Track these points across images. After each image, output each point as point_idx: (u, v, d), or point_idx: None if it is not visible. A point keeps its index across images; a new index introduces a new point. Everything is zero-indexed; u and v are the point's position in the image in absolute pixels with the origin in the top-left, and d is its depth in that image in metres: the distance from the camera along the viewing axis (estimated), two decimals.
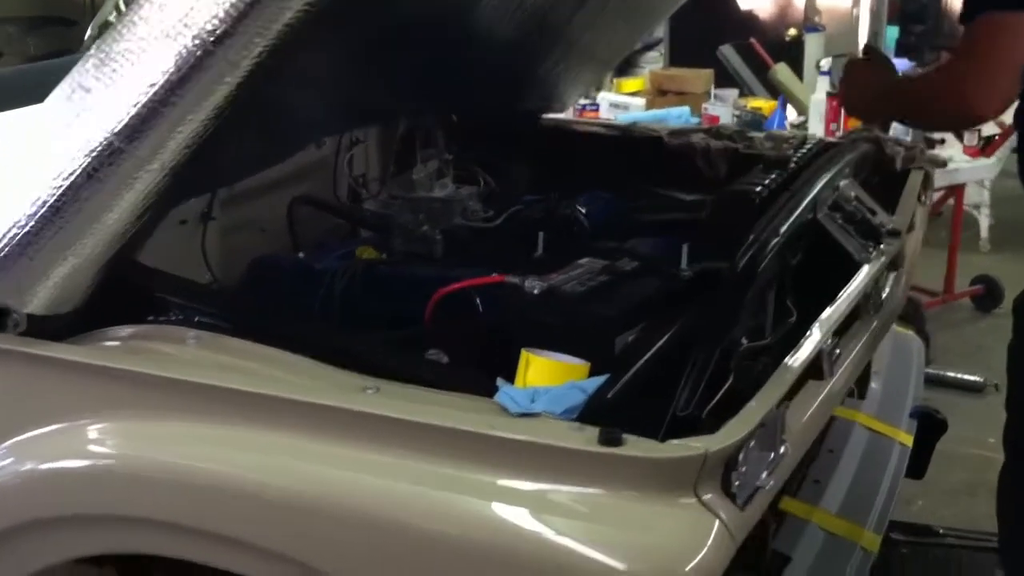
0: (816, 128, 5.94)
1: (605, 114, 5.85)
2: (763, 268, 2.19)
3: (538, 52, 3.78)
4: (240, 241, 3.13)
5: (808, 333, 2.15)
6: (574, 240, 3.03)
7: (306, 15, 1.89)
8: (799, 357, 2.05)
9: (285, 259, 2.96)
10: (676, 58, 7.47)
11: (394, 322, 2.68)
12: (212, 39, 1.85)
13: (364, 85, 3.06)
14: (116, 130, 1.92)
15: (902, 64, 8.10)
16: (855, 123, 5.91)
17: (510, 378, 1.93)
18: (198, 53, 1.86)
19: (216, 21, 1.84)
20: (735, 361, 1.95)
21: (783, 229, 2.35)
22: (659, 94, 6.74)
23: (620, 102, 6.06)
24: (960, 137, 6.04)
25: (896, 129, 4.30)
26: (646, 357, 1.97)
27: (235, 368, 2.01)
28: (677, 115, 5.82)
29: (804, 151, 3.02)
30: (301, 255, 2.97)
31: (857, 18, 8.03)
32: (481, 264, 2.68)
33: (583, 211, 3.08)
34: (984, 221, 7.37)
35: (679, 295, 2.28)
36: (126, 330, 2.18)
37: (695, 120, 5.85)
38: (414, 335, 2.44)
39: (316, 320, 2.59)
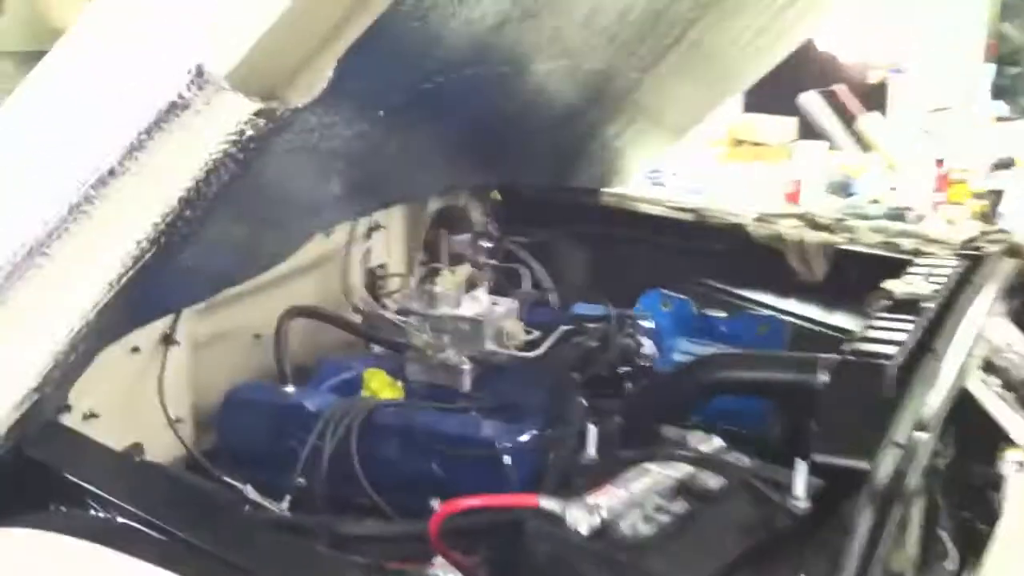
0: (911, 193, 5.26)
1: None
2: (911, 489, 1.54)
3: (599, 119, 3.15)
4: (223, 356, 2.54)
5: None
6: (636, 374, 2.40)
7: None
8: None
9: (267, 392, 2.35)
10: (751, 102, 6.78)
11: (400, 490, 2.08)
12: None
13: (384, 158, 2.45)
14: None
15: (998, 107, 7.36)
16: (959, 192, 5.24)
17: None
18: None
19: None
20: None
21: (931, 417, 1.69)
22: (735, 144, 6.08)
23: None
24: None
25: None
26: None
27: None
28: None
29: (933, 273, 2.34)
30: (289, 388, 2.33)
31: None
32: (513, 414, 2.16)
33: (645, 344, 2.43)
34: None
35: (792, 535, 1.62)
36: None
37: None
38: (418, 534, 1.82)
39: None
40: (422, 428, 2.16)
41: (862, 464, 1.62)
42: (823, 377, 1.88)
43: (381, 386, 2.47)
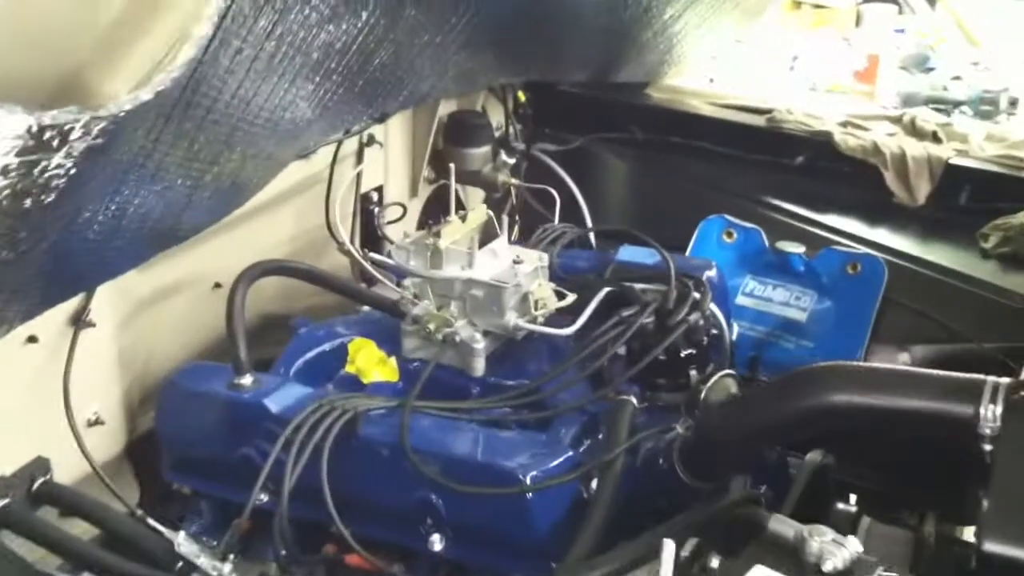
0: (998, 70, 4.54)
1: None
2: None
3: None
4: (175, 316, 2.00)
5: None
6: (703, 357, 1.83)
7: None
8: None
9: (217, 381, 1.78)
10: None
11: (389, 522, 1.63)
12: None
13: (386, 47, 1.84)
14: None
15: None
16: None
17: None
18: None
19: None
20: None
21: None
22: (794, 5, 5.32)
23: None
24: None
25: None
26: None
27: None
28: None
29: None
30: (246, 379, 1.77)
31: None
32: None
33: (714, 314, 1.86)
34: None
35: None
36: None
37: None
38: None
39: None
40: (419, 447, 1.61)
41: None
42: (993, 413, 1.29)
43: (369, 363, 1.92)
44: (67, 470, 1.71)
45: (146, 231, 1.57)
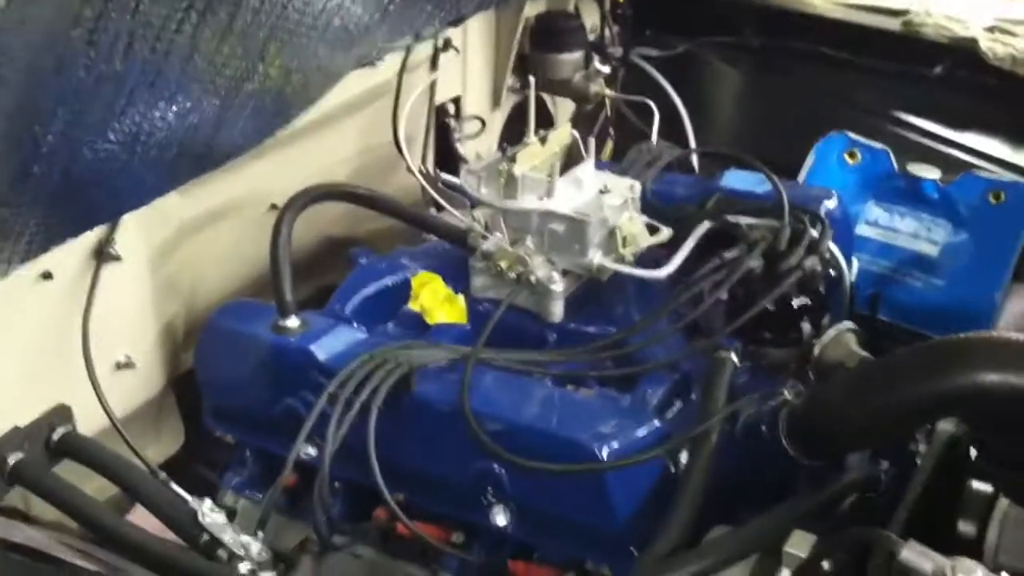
0: None
1: None
2: None
3: None
4: (225, 242, 1.82)
5: None
6: (819, 309, 1.58)
7: None
8: None
9: (261, 322, 1.58)
10: None
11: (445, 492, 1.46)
12: None
13: None
14: None
15: None
16: None
17: None
18: None
19: None
20: None
21: None
22: None
23: None
24: None
25: None
26: None
27: None
28: None
29: None
30: (291, 319, 1.56)
31: None
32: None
33: (834, 265, 1.60)
34: None
35: None
36: None
37: None
38: None
39: None
40: (481, 410, 1.39)
41: None
42: None
43: (434, 301, 1.70)
44: (95, 419, 1.54)
45: (170, 157, 1.36)
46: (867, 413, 1.28)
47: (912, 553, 0.96)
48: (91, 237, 1.52)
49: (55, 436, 1.46)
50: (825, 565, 1.18)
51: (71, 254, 1.49)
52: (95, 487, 1.45)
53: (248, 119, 1.47)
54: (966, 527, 1.42)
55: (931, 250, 2.06)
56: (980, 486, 1.48)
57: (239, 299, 1.76)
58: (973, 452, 1.52)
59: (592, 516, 1.36)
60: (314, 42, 1.51)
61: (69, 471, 1.46)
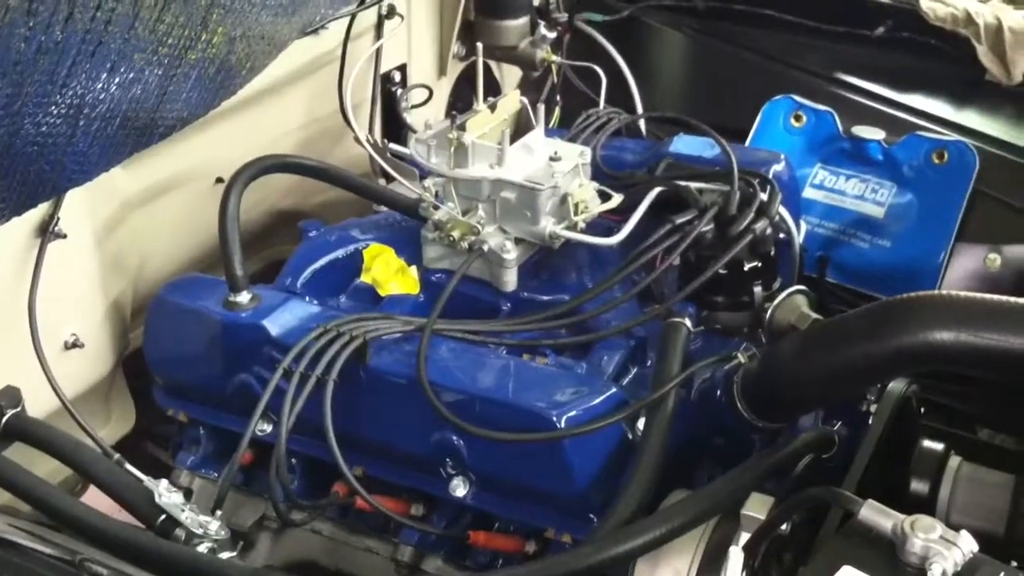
0: None
1: None
2: None
3: None
4: (170, 216, 1.78)
5: None
6: (769, 270, 1.59)
7: None
8: None
9: (211, 296, 1.56)
10: None
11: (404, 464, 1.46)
12: None
13: None
14: None
15: None
16: None
17: None
18: None
19: None
20: None
21: None
22: None
23: None
24: None
25: None
26: None
27: None
28: None
29: None
30: (242, 295, 1.54)
31: None
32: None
33: (784, 219, 1.61)
34: None
35: None
36: None
37: None
38: None
39: None
40: (437, 381, 1.39)
41: None
42: None
43: (386, 272, 1.69)
44: (45, 401, 1.51)
45: (114, 129, 1.34)
46: (819, 373, 1.29)
47: (871, 511, 0.98)
48: (35, 215, 1.48)
49: (3, 418, 1.43)
50: (783, 527, 1.20)
51: (15, 232, 1.45)
52: (47, 471, 1.43)
53: (192, 89, 1.44)
54: (918, 486, 1.45)
55: (877, 212, 2.08)
56: (931, 445, 1.51)
57: (188, 274, 1.73)
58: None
59: (551, 484, 1.36)
60: (256, 8, 1.49)
61: (19, 454, 1.43)
